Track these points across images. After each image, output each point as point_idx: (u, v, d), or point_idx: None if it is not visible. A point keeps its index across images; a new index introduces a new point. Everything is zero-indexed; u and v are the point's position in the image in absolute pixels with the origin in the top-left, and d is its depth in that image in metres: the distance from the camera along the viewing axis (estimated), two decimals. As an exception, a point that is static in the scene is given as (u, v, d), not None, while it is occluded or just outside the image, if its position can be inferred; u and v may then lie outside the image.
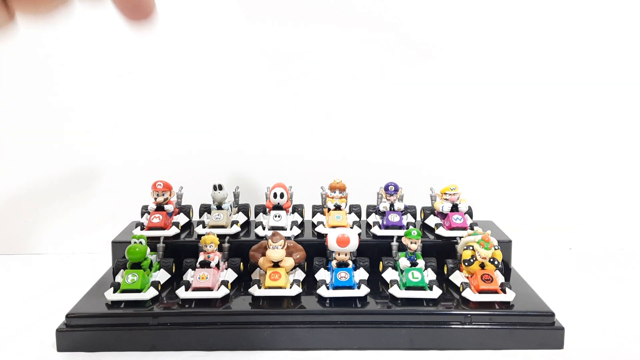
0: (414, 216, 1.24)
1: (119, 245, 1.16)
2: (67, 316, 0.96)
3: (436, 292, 1.00)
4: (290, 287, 1.01)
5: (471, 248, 1.04)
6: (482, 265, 1.02)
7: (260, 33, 1.41)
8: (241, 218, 1.22)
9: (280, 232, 1.10)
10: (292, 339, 0.95)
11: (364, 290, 1.00)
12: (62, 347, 0.95)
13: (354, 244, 1.03)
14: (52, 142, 1.43)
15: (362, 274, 1.06)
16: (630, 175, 1.48)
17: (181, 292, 1.00)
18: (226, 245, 1.12)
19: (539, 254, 1.42)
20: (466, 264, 1.04)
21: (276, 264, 1.02)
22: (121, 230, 1.25)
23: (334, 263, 1.04)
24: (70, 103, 1.42)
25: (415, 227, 1.13)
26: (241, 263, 1.11)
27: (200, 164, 1.44)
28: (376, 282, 1.07)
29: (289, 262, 1.03)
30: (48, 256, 1.43)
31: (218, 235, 1.09)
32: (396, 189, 1.20)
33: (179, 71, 1.42)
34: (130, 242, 1.04)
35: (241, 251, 1.12)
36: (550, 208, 1.48)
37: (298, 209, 1.25)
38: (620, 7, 1.41)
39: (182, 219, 1.22)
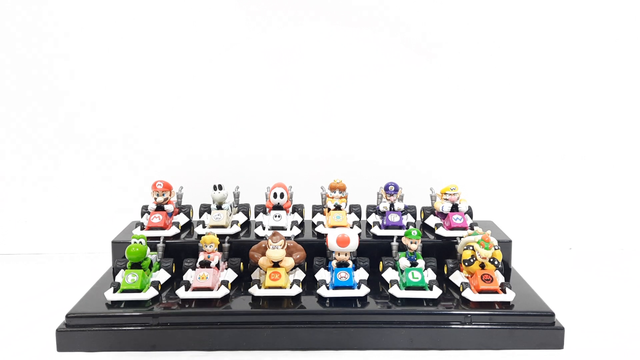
0: (414, 216, 1.24)
1: (119, 245, 1.16)
2: (67, 316, 0.96)
3: (436, 292, 1.00)
4: (290, 287, 1.01)
5: (471, 248, 1.04)
6: (482, 265, 1.02)
7: (260, 32, 1.41)
8: (241, 218, 1.22)
9: (280, 232, 1.10)
10: (292, 339, 0.95)
11: (364, 290, 1.00)
12: (62, 347, 0.95)
13: (354, 244, 1.03)
14: (52, 142, 1.43)
15: (362, 274, 1.06)
16: (631, 176, 1.48)
17: (181, 292, 1.00)
18: (226, 245, 1.12)
19: (539, 254, 1.42)
20: (466, 264, 1.04)
21: (276, 264, 1.02)
22: (121, 230, 1.25)
23: (334, 263, 1.04)
24: (71, 104, 1.42)
25: (415, 227, 1.13)
26: (241, 263, 1.11)
27: (200, 163, 1.44)
28: (376, 282, 1.07)
29: (289, 262, 1.03)
30: (48, 256, 1.43)
31: (218, 235, 1.09)
32: (396, 189, 1.20)
33: (178, 71, 1.42)
34: (130, 242, 1.04)
35: (241, 251, 1.12)
36: (550, 208, 1.48)
37: (298, 209, 1.25)
38: (622, 8, 1.41)
39: (182, 219, 1.22)
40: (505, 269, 1.14)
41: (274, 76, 1.43)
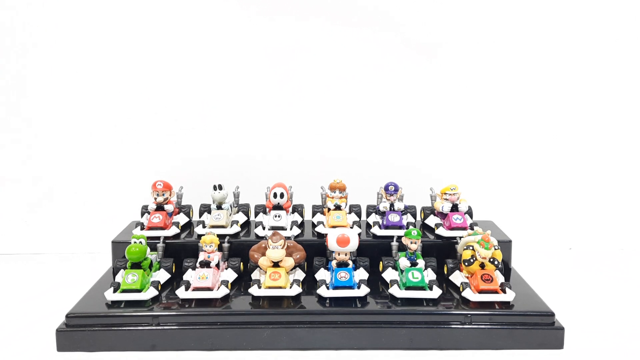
0: (414, 216, 1.24)
1: (119, 245, 1.16)
2: (67, 316, 0.96)
3: (436, 292, 1.00)
4: (290, 287, 1.01)
5: (471, 248, 1.04)
6: (482, 265, 1.02)
7: (260, 32, 1.41)
8: (241, 218, 1.22)
9: (280, 232, 1.10)
10: (292, 339, 0.95)
11: (364, 290, 1.00)
12: (62, 347, 0.95)
13: (354, 244, 1.03)
14: (52, 142, 1.43)
15: (362, 274, 1.06)
16: (631, 175, 1.48)
17: (181, 292, 1.00)
18: (226, 245, 1.12)
19: (539, 254, 1.42)
20: (466, 264, 1.04)
21: (276, 264, 1.02)
22: (121, 230, 1.25)
23: (334, 263, 1.04)
24: (70, 103, 1.42)
25: (415, 227, 1.13)
26: (241, 263, 1.11)
27: (201, 163, 1.44)
28: (376, 282, 1.07)
29: (289, 262, 1.03)
30: (48, 256, 1.43)
31: (218, 235, 1.09)
32: (396, 189, 1.20)
33: (178, 71, 1.42)
34: (130, 242, 1.05)
35: (241, 251, 1.12)
36: (550, 208, 1.48)
37: (298, 209, 1.25)
38: (622, 8, 1.41)
39: (182, 219, 1.22)
40: (505, 269, 1.14)
41: (274, 76, 1.43)
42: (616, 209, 1.48)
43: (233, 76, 1.43)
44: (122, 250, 1.07)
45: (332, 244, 1.03)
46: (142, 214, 1.23)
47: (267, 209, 1.21)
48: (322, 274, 1.06)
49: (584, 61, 1.43)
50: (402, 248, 1.09)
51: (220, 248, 1.10)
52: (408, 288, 1.00)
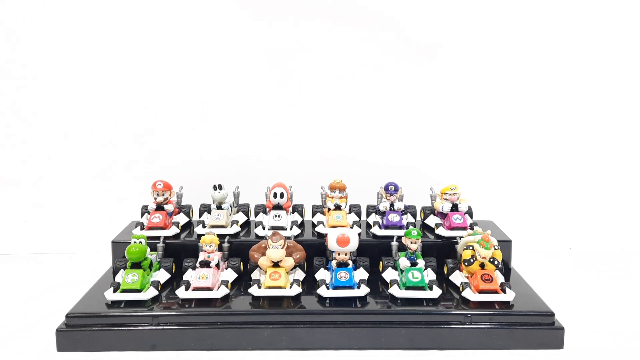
0: (414, 216, 1.24)
1: (119, 245, 1.16)
2: (67, 316, 0.96)
3: (436, 292, 1.00)
4: (290, 287, 1.01)
5: (471, 248, 1.04)
6: (482, 265, 1.02)
7: (260, 32, 1.41)
8: (241, 218, 1.22)
9: (280, 232, 1.10)
10: (292, 339, 0.95)
11: (364, 290, 1.00)
12: (62, 347, 0.95)
13: (354, 244, 1.03)
14: (52, 142, 1.43)
15: (362, 274, 1.06)
16: (631, 175, 1.48)
17: (181, 292, 1.00)
18: (226, 245, 1.12)
19: (539, 254, 1.42)
20: (466, 264, 1.04)
21: (276, 264, 1.02)
22: (121, 230, 1.25)
23: (334, 263, 1.04)
24: (70, 103, 1.42)
25: (415, 227, 1.13)
26: (241, 263, 1.11)
27: (201, 163, 1.44)
28: (376, 282, 1.07)
29: (289, 262, 1.03)
30: (48, 256, 1.43)
31: (218, 235, 1.09)
32: (396, 189, 1.20)
33: (178, 71, 1.42)
34: (130, 242, 1.05)
35: (241, 251, 1.12)
36: (550, 208, 1.48)
37: (298, 209, 1.25)
38: (622, 9, 1.41)
39: (182, 218, 1.22)
40: (505, 269, 1.14)
41: (274, 76, 1.43)
42: (616, 209, 1.48)
43: (233, 76, 1.43)
44: (122, 250, 1.07)
45: (332, 244, 1.03)
46: (142, 214, 1.23)
47: (267, 209, 1.21)
48: (322, 274, 1.06)
49: (583, 61, 1.43)
50: (402, 248, 1.09)
51: (220, 248, 1.10)
52: (408, 288, 1.00)
